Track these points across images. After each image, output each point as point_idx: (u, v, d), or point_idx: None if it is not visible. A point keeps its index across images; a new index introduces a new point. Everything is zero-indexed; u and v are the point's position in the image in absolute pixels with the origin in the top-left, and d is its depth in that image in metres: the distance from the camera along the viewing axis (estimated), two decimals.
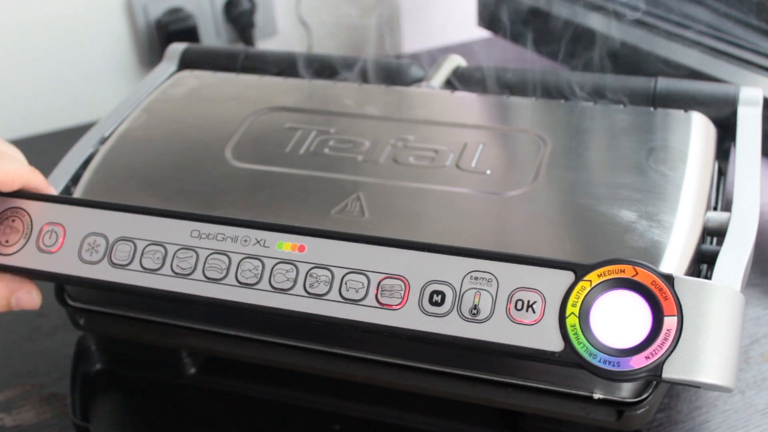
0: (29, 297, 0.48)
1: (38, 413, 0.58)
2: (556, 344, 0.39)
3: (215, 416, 0.56)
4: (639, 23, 0.83)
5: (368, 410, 0.55)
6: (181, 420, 0.57)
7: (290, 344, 0.50)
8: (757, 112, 0.56)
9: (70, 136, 0.61)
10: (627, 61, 0.79)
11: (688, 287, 0.39)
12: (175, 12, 1.01)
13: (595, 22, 0.84)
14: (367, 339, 0.48)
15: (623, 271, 0.39)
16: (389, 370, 0.49)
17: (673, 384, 0.41)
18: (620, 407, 0.45)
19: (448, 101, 0.61)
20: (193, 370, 0.59)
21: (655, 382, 0.45)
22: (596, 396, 0.45)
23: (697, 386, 0.39)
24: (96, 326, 0.56)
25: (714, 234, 0.49)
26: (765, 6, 0.77)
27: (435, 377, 0.48)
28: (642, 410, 0.45)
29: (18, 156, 0.48)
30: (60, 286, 0.55)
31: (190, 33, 1.02)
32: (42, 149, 0.60)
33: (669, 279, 0.39)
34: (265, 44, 1.10)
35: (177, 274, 0.45)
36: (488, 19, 1.01)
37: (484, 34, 1.05)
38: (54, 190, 0.50)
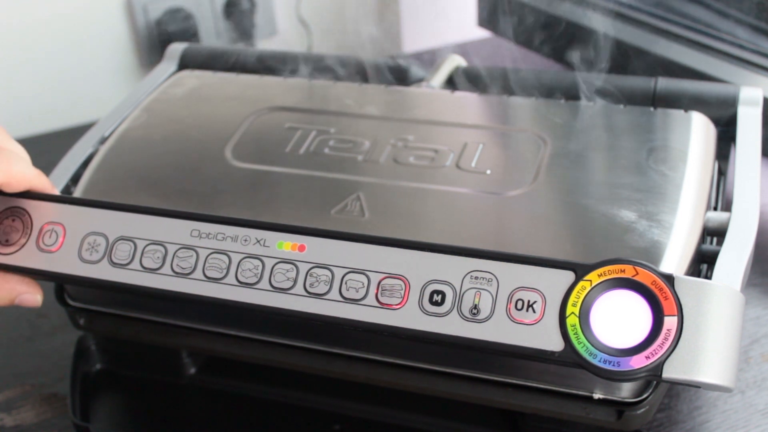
0: (33, 298, 0.48)
1: (38, 413, 0.58)
2: (556, 344, 0.39)
3: (215, 416, 0.56)
4: (639, 23, 0.83)
5: (368, 410, 0.55)
6: (181, 420, 0.57)
7: (290, 344, 0.50)
8: (757, 112, 0.56)
9: (70, 136, 0.61)
10: (627, 61, 0.79)
11: (689, 287, 0.39)
12: (175, 12, 1.01)
13: (595, 21, 0.84)
14: (367, 339, 0.48)
15: (623, 271, 0.39)
16: (389, 370, 0.49)
17: (674, 384, 0.41)
18: (620, 407, 0.45)
19: (448, 101, 0.61)
20: (193, 370, 0.59)
21: (655, 382, 0.45)
22: (596, 396, 0.45)
23: (697, 386, 0.39)
24: (96, 326, 0.56)
25: (714, 234, 0.49)
26: (765, 6, 0.77)
27: (435, 377, 0.48)
28: (642, 410, 0.45)
29: (25, 156, 0.48)
30: (60, 286, 0.54)
31: (190, 33, 1.02)
32: (42, 149, 0.60)
33: (669, 279, 0.39)
34: (265, 44, 1.10)
35: (177, 274, 0.45)
36: (488, 19, 1.01)
37: (484, 34, 1.05)
38: (58, 193, 0.50)
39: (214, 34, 1.05)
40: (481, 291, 0.41)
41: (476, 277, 0.41)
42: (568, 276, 0.40)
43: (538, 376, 0.46)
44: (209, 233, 0.45)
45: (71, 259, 0.47)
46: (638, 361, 0.38)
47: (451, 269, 0.42)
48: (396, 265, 0.42)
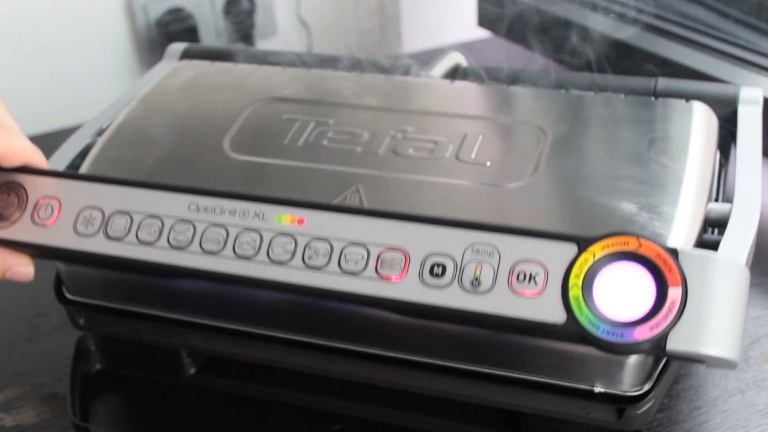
0: (25, 270, 0.48)
1: (38, 413, 0.58)
2: (558, 316, 0.39)
3: (215, 416, 0.56)
4: (639, 23, 0.83)
5: (368, 410, 0.55)
6: (181, 420, 0.57)
7: (290, 339, 0.50)
8: (758, 110, 0.56)
9: (70, 136, 0.61)
10: (627, 61, 0.79)
11: (693, 260, 0.38)
12: (175, 12, 1.01)
13: (595, 21, 0.84)
14: (367, 331, 0.48)
15: (627, 243, 0.39)
16: (389, 368, 0.49)
17: (677, 358, 0.40)
18: (621, 403, 0.45)
19: (447, 91, 0.60)
20: (193, 370, 0.59)
21: (657, 375, 0.45)
22: (597, 390, 0.45)
23: (701, 361, 0.38)
24: (95, 325, 0.56)
25: (715, 225, 0.49)
26: (765, 6, 0.77)
27: (435, 375, 0.48)
28: (642, 410, 0.45)
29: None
30: (58, 280, 0.54)
31: (190, 33, 1.02)
32: (42, 149, 0.60)
33: (673, 252, 0.39)
34: (265, 44, 1.10)
35: (173, 247, 0.45)
36: (488, 19, 1.01)
37: (484, 34, 1.05)
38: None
39: (214, 34, 1.05)
40: (482, 263, 0.40)
41: (478, 250, 0.41)
42: (571, 248, 0.40)
43: (539, 370, 0.46)
44: (207, 207, 0.45)
45: (66, 232, 0.46)
46: (642, 333, 0.37)
47: (452, 241, 0.41)
48: (396, 238, 0.42)
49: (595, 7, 0.86)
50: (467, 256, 0.41)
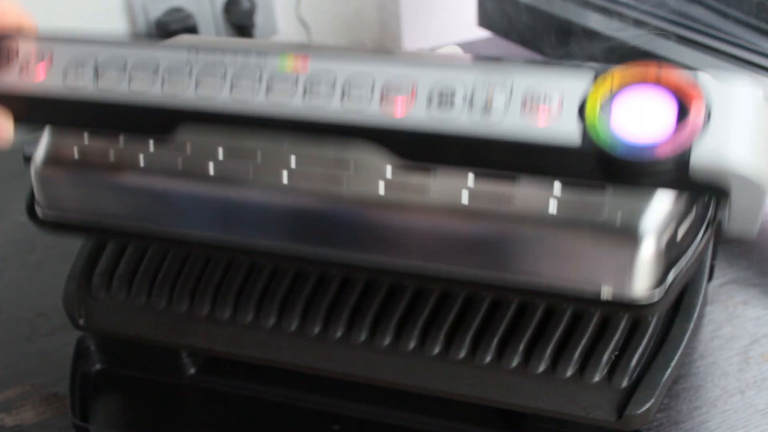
0: (4, 128, 0.45)
1: (38, 413, 0.58)
2: (574, 139, 0.37)
3: (215, 416, 0.56)
4: (639, 23, 0.83)
5: (368, 410, 0.55)
6: (181, 420, 0.57)
7: (284, 254, 0.48)
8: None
9: None
10: (627, 61, 0.79)
11: (716, 85, 0.37)
12: (175, 12, 1.01)
13: (595, 22, 0.84)
14: (364, 234, 0.46)
15: (646, 69, 0.37)
16: (389, 364, 0.49)
17: (700, 185, 0.37)
18: (631, 311, 0.44)
19: (447, 58, 0.60)
20: (193, 370, 0.59)
21: (668, 285, 0.43)
22: (604, 295, 0.43)
23: (725, 185, 0.36)
24: (95, 324, 0.55)
25: None
26: (765, 6, 0.77)
27: (435, 374, 0.48)
28: (644, 408, 0.45)
29: None
30: (31, 198, 0.52)
31: (190, 33, 1.02)
32: None
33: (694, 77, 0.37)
34: None
35: (168, 91, 0.43)
36: (488, 19, 1.01)
37: (484, 34, 1.05)
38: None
39: (214, 33, 1.05)
40: (494, 90, 0.38)
41: (490, 80, 0.39)
42: (588, 75, 0.38)
43: (543, 270, 0.44)
44: (206, 55, 0.43)
45: (55, 85, 0.45)
46: (663, 151, 0.36)
47: (463, 73, 0.39)
48: (403, 71, 0.40)
49: (594, 8, 0.86)
50: (479, 85, 0.39)
